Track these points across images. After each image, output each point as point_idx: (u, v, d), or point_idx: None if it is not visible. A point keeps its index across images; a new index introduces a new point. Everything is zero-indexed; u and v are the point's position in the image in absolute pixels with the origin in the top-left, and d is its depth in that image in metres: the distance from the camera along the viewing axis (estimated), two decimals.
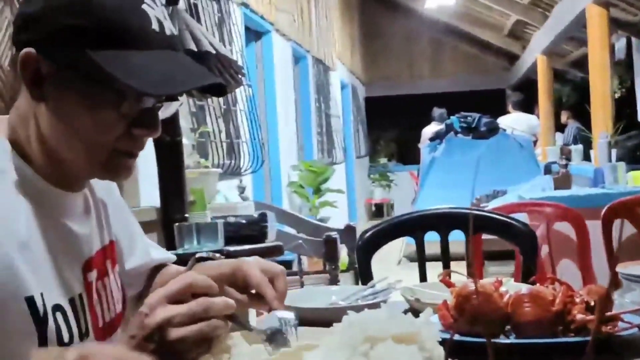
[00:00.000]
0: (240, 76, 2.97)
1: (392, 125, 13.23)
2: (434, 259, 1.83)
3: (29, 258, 0.89)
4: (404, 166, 12.36)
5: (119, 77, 0.86)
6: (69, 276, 0.96)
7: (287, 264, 4.83)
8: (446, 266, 1.81)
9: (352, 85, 10.77)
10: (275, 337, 0.88)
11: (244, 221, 2.85)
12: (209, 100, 4.00)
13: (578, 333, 1.01)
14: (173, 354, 0.85)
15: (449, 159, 7.22)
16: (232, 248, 2.54)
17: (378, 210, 12.13)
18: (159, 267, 1.23)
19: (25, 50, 0.89)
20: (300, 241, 3.59)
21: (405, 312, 1.23)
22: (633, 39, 7.38)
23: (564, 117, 8.96)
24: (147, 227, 1.62)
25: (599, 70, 5.62)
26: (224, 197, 3.94)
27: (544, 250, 2.69)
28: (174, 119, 2.72)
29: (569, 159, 5.68)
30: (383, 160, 12.55)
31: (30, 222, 0.91)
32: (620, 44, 7.56)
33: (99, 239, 1.05)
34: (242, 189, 4.36)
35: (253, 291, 1.01)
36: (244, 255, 2.63)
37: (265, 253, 2.93)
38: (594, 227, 2.75)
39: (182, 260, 1.26)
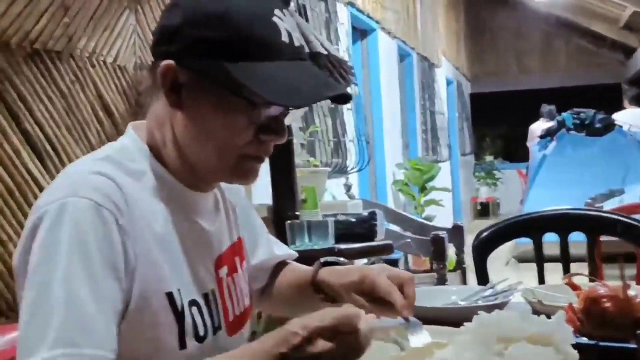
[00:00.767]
0: (350, 76, 3.00)
1: (498, 122, 12.92)
2: (550, 260, 1.78)
3: (167, 255, 0.94)
4: (510, 164, 12.04)
5: (252, 87, 0.90)
6: (202, 272, 1.01)
7: (393, 263, 4.82)
8: (566, 268, 1.77)
9: (457, 81, 10.60)
10: (415, 330, 0.89)
11: (353, 219, 2.87)
12: None
13: None
14: None
15: (560, 157, 6.98)
16: (343, 246, 2.56)
17: (483, 209, 11.87)
18: (281, 264, 1.27)
19: (165, 62, 0.94)
20: (409, 240, 3.58)
21: None
22: None
23: None
24: None
25: None
26: (331, 195, 3.98)
27: None
28: None
29: None
30: (489, 158, 12.26)
31: (166, 220, 0.96)
32: None
33: (228, 236, 1.10)
34: (348, 187, 4.39)
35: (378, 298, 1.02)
36: (355, 252, 2.66)
37: (376, 251, 2.94)
38: None
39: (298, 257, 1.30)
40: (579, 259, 1.92)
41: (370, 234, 2.83)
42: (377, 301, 1.03)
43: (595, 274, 1.70)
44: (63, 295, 0.82)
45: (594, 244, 1.86)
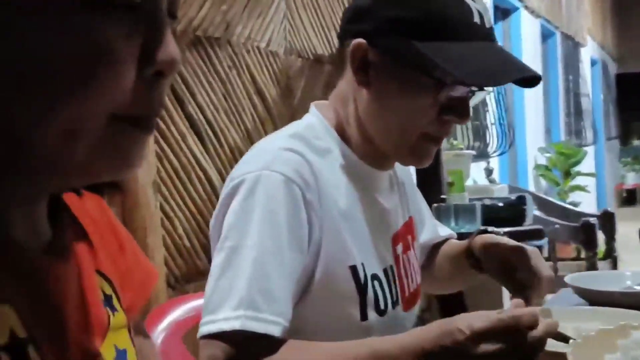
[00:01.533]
0: None
1: None
2: None
3: (351, 230, 0.97)
4: None
5: (447, 68, 0.89)
6: (382, 248, 1.03)
7: (537, 249, 4.66)
8: None
9: (602, 61, 10.04)
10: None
11: (500, 204, 2.81)
12: None
13: None
14: None
15: None
16: (491, 229, 2.51)
17: (630, 196, 11.21)
18: (438, 244, 1.28)
19: (356, 40, 0.96)
20: (557, 226, 3.44)
21: None
22: None
23: None
24: None
25: None
26: (472, 179, 3.90)
27: None
28: None
29: None
30: (637, 142, 11.56)
31: (350, 196, 0.98)
32: None
33: (402, 215, 1.11)
34: (489, 172, 4.28)
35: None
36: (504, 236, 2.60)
37: (525, 236, 2.86)
38: None
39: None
40: None
41: (519, 219, 2.76)
42: (514, 279, 1.04)
43: None
44: (251, 261, 0.86)
45: None
